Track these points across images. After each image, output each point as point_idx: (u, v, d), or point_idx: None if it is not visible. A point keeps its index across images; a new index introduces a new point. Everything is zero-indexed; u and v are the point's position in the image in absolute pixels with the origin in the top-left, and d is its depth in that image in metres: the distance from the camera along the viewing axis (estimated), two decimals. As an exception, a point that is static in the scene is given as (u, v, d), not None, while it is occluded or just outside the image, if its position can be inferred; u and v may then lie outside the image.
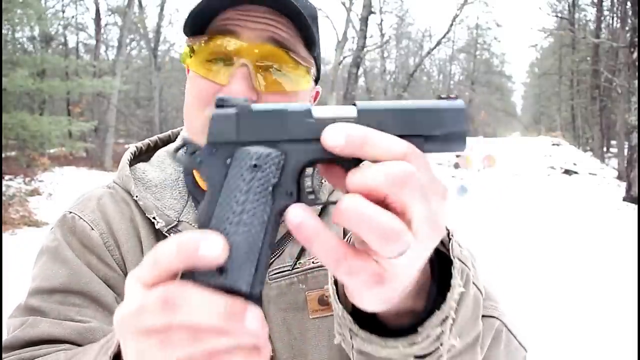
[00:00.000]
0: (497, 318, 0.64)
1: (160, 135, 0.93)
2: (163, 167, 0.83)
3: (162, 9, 24.20)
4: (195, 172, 0.78)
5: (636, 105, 11.85)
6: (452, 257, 0.51)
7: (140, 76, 27.06)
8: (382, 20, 32.93)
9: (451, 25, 29.33)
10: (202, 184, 0.79)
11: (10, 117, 9.79)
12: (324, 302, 0.76)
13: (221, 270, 0.39)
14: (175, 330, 0.37)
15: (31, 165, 12.26)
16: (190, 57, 0.73)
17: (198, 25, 0.71)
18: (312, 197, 0.44)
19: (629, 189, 11.96)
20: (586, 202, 11.48)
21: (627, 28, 16.11)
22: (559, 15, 27.84)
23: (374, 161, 0.38)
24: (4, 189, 9.86)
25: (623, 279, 5.60)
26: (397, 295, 0.42)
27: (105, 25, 23.44)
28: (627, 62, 14.44)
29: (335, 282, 0.55)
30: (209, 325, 0.37)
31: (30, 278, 0.78)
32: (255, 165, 0.40)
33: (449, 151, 0.43)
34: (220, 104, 0.42)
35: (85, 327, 0.70)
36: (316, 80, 0.82)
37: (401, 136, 0.40)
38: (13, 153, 12.15)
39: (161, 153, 0.87)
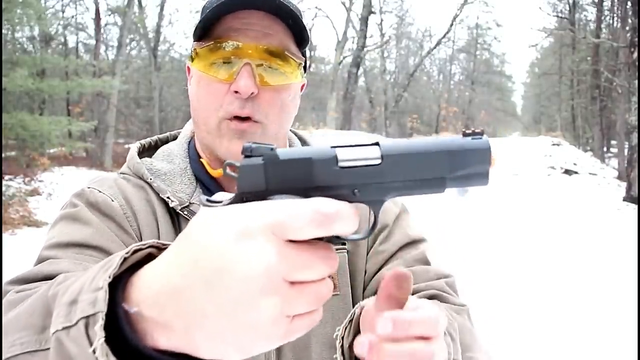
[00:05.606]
0: None
1: (160, 136, 0.97)
2: (170, 159, 0.87)
3: (162, 9, 24.21)
4: (204, 161, 0.83)
5: (636, 105, 11.84)
6: None
7: (140, 76, 27.04)
8: (382, 20, 32.96)
9: (451, 25, 29.38)
10: (213, 172, 0.82)
11: (10, 117, 9.78)
12: None
13: None
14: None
15: (31, 165, 12.26)
16: (196, 60, 0.79)
17: (203, 32, 0.77)
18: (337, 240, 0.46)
19: (629, 189, 11.95)
20: (586, 202, 11.47)
21: (627, 28, 16.10)
22: (559, 15, 27.83)
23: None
24: (4, 189, 9.86)
25: (623, 279, 5.60)
26: None
27: (105, 25, 23.46)
28: (627, 62, 14.43)
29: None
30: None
31: (44, 241, 0.77)
32: None
33: (469, 186, 0.44)
34: (248, 154, 0.42)
35: None
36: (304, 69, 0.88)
37: (424, 179, 0.42)
38: (13, 153, 12.14)
39: (166, 148, 0.91)
